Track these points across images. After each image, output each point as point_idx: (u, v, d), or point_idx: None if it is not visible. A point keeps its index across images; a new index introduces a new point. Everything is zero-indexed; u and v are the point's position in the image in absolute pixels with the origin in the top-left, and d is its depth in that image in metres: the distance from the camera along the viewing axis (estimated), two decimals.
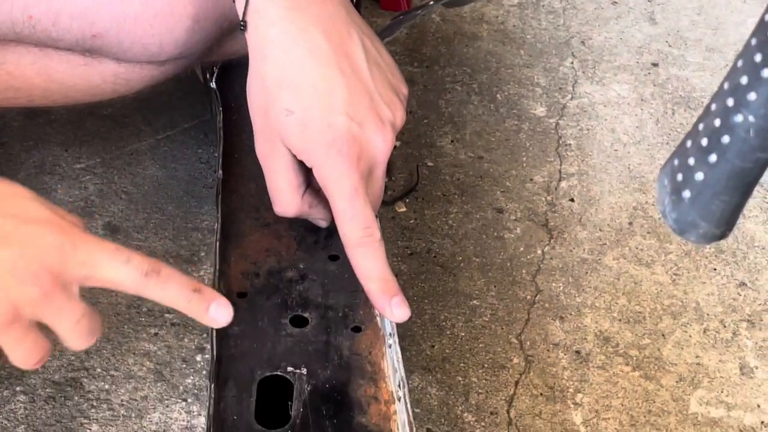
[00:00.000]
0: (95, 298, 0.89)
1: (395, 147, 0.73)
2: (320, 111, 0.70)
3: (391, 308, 0.69)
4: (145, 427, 0.83)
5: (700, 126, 0.48)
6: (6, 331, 0.57)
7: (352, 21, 0.73)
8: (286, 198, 0.73)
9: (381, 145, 0.71)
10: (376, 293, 0.70)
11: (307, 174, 0.73)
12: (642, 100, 1.22)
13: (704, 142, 0.47)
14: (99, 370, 0.86)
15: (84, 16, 0.81)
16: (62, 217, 0.59)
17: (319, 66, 0.70)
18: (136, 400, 0.84)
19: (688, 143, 0.48)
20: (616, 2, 1.38)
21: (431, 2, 1.13)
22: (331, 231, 0.77)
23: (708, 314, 0.96)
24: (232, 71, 0.93)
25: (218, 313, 0.63)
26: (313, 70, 0.70)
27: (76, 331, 0.59)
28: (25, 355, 0.59)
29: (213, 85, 0.93)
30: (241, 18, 0.71)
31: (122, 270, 0.59)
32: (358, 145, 0.70)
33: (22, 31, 0.82)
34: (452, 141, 1.14)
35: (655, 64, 1.28)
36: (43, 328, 0.60)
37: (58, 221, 0.58)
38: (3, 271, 0.56)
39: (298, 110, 0.70)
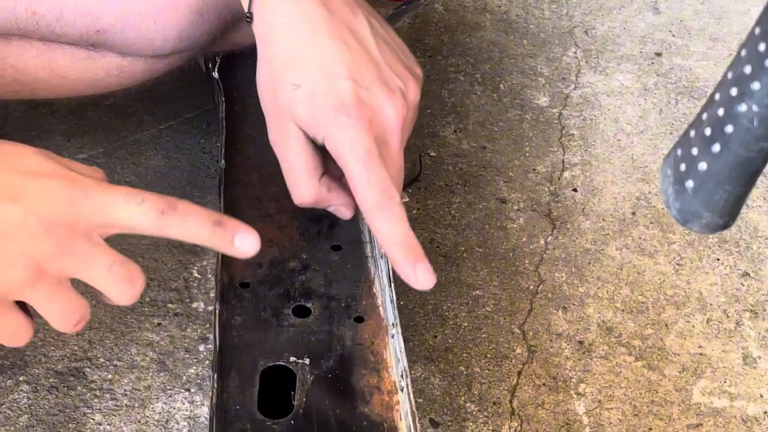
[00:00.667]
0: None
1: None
2: (326, 79, 0.69)
3: (416, 274, 0.66)
4: (148, 416, 0.83)
5: (704, 116, 0.48)
6: (33, 289, 0.56)
7: (358, 3, 0.73)
8: (303, 182, 0.71)
9: (392, 112, 0.69)
10: (400, 259, 0.67)
11: (323, 158, 0.72)
12: (645, 89, 1.22)
13: (707, 131, 0.47)
14: (102, 360, 0.87)
15: (88, 12, 0.81)
16: (69, 168, 0.58)
17: (323, 40, 0.69)
18: (139, 390, 0.85)
19: (692, 133, 0.48)
20: None
21: None
22: (334, 221, 0.77)
23: (711, 304, 0.96)
24: (235, 61, 0.92)
25: (244, 243, 0.60)
26: (317, 44, 0.69)
27: (111, 280, 0.57)
28: (60, 314, 0.57)
29: (215, 75, 0.93)
30: (246, 10, 0.71)
31: (137, 211, 0.57)
32: (367, 108, 0.68)
33: (26, 27, 0.81)
34: (455, 131, 1.14)
35: (658, 54, 1.28)
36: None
37: (66, 173, 0.57)
38: (15, 227, 0.55)
39: (305, 83, 0.69)
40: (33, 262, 0.55)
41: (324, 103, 0.68)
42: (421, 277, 0.66)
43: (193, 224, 0.59)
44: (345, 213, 0.74)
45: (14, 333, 0.58)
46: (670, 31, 1.32)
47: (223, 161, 0.83)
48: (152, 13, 0.82)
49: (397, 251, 0.67)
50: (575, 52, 1.27)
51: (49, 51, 0.86)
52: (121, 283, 0.58)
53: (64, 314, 0.58)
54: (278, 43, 0.70)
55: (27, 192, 0.56)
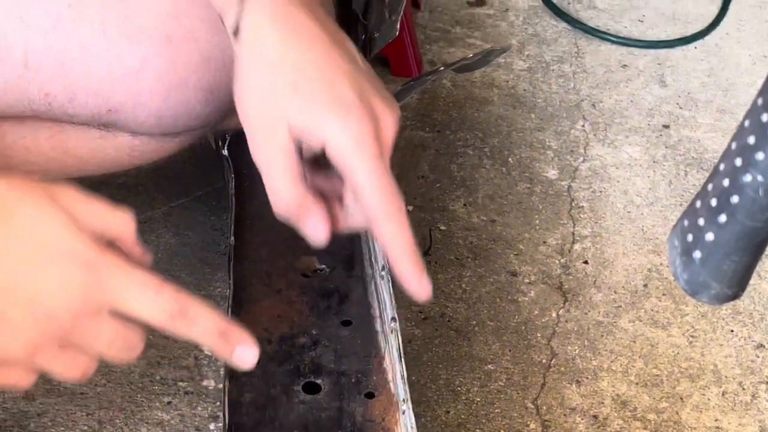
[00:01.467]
0: (107, 367, 0.89)
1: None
2: (328, 86, 0.68)
3: (420, 286, 0.67)
4: None
5: (709, 186, 0.48)
6: (33, 359, 0.56)
7: (339, 30, 0.72)
8: (286, 185, 0.68)
9: (390, 120, 0.68)
10: (407, 271, 0.67)
11: (306, 169, 0.70)
12: (654, 161, 1.22)
13: (713, 202, 0.47)
14: None
15: (100, 92, 0.82)
16: (93, 240, 0.57)
17: (322, 49, 0.69)
18: None
19: (698, 204, 0.48)
20: (626, 65, 1.39)
21: (442, 68, 1.14)
22: (343, 296, 0.77)
23: (726, 376, 0.95)
24: (244, 139, 0.93)
25: (244, 355, 0.61)
26: (316, 52, 0.69)
27: (111, 354, 0.58)
28: (64, 372, 0.58)
29: (225, 152, 0.93)
30: (234, 24, 0.70)
31: (149, 305, 0.57)
32: (370, 117, 0.67)
33: (38, 108, 0.82)
34: (465, 205, 1.14)
35: (666, 126, 1.28)
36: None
37: (85, 252, 0.56)
38: (23, 308, 0.55)
39: (304, 87, 0.68)
40: (31, 344, 0.56)
41: (327, 107, 0.67)
42: (424, 288, 0.67)
43: (201, 327, 0.59)
44: (321, 233, 0.69)
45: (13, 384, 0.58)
46: (677, 104, 1.32)
47: (232, 237, 0.83)
48: (163, 92, 0.82)
49: (405, 263, 0.67)
50: (583, 125, 1.28)
51: (61, 132, 0.86)
52: (121, 356, 0.59)
53: (68, 372, 0.58)
54: (273, 50, 0.69)
55: (41, 275, 0.56)
